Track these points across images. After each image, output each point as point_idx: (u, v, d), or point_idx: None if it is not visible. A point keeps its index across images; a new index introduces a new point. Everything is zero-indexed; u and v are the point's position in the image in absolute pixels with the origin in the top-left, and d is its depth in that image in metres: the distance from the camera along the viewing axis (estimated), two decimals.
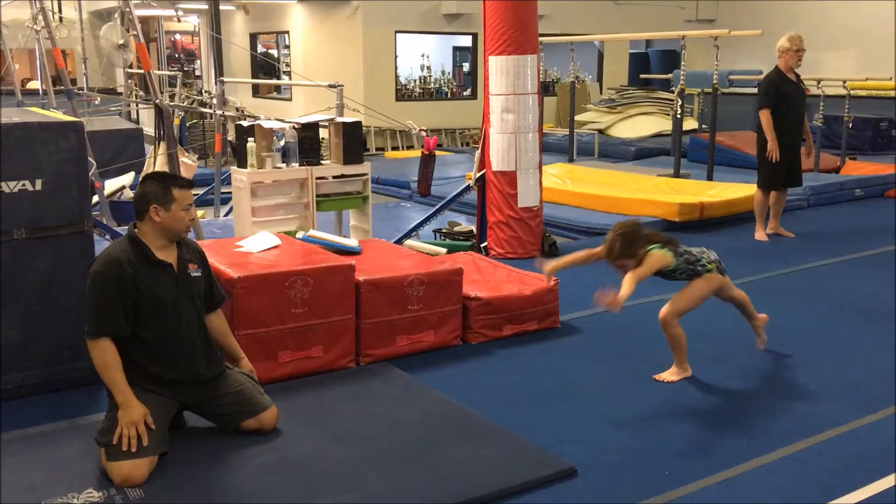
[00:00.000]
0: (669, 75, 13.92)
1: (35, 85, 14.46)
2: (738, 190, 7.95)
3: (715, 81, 9.12)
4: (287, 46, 16.01)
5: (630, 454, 3.19)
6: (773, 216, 7.11)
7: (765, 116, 6.66)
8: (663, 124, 13.05)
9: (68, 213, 3.61)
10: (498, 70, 6.00)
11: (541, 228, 6.34)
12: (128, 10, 5.88)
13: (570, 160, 10.88)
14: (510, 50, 5.93)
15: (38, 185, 3.50)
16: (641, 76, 16.16)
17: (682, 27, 14.78)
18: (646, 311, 5.07)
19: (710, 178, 8.98)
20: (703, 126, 12.01)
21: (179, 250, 3.14)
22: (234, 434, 3.18)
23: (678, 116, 9.49)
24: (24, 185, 3.47)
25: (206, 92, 13.59)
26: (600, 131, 13.02)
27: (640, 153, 11.64)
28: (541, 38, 6.26)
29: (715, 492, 2.92)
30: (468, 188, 6.55)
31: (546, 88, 14.67)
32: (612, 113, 13.74)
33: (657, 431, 3.39)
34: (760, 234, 6.99)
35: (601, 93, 15.98)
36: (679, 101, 9.34)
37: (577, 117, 12.13)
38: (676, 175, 9.16)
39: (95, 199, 6.13)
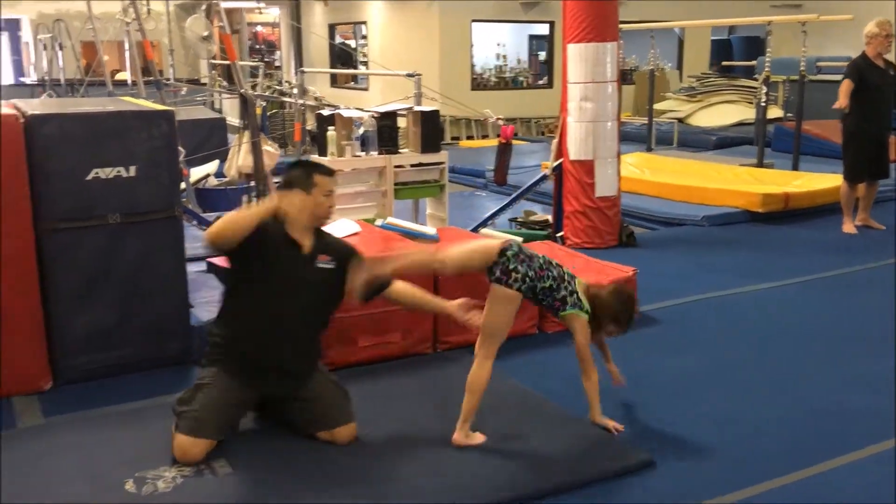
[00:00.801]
0: (753, 62, 13.50)
1: (123, 76, 14.99)
2: (825, 181, 7.67)
3: (802, 68, 8.82)
4: (364, 37, 16.18)
5: (709, 448, 3.13)
6: (862, 208, 6.85)
7: (845, 83, 6.38)
8: (746, 113, 12.68)
9: (159, 199, 3.75)
10: (577, 58, 5.94)
11: (618, 218, 6.27)
12: (215, 2, 6.03)
13: (649, 149, 10.70)
14: (590, 37, 5.87)
15: (132, 171, 3.64)
16: (724, 63, 15.73)
17: (768, 12, 14.29)
18: (728, 303, 4.98)
19: (795, 168, 8.71)
20: (788, 114, 11.62)
21: (317, 240, 3.10)
22: None
23: (763, 104, 9.22)
24: (118, 171, 3.62)
25: (286, 82, 13.86)
26: (680, 120, 12.75)
27: (721, 142, 11.35)
28: (620, 26, 6.17)
29: (795, 489, 2.85)
30: (545, 177, 6.52)
31: (624, 77, 14.41)
32: (693, 101, 13.41)
33: (737, 427, 3.32)
34: (849, 227, 6.74)
35: (681, 80, 15.63)
36: (764, 88, 9.07)
37: (655, 106, 11.90)
38: (760, 165, 8.92)
39: (182, 185, 6.34)
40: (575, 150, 6.09)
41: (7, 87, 14.98)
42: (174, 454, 2.89)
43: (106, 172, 3.59)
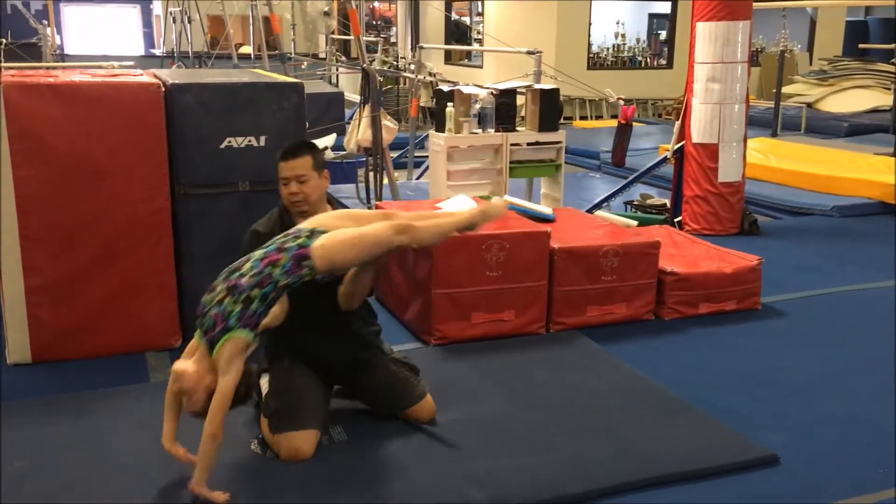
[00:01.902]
0: (892, 45, 12.68)
1: (247, 49, 15.47)
2: None
3: None
4: (480, 14, 16.09)
5: (838, 447, 2.99)
6: None
7: None
8: (881, 99, 11.92)
9: None
10: (706, 37, 5.73)
11: (741, 205, 6.03)
12: None
13: (774, 134, 10.24)
14: (721, 15, 5.64)
15: (262, 141, 3.75)
16: (860, 46, 14.84)
17: None
18: (858, 298, 4.73)
19: None
20: None
21: None
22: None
23: None
24: (250, 140, 3.73)
25: (401, 58, 13.98)
26: (808, 105, 12.12)
27: (854, 129, 10.71)
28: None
29: None
30: (664, 160, 6.34)
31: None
32: (823, 85, 12.71)
33: (866, 427, 3.15)
34: None
35: (811, 63, 14.84)
36: None
37: (782, 89, 11.34)
38: None
39: None
40: (699, 133, 5.88)
41: (138, 58, 15.75)
42: (282, 454, 2.75)
43: (238, 141, 3.71)
